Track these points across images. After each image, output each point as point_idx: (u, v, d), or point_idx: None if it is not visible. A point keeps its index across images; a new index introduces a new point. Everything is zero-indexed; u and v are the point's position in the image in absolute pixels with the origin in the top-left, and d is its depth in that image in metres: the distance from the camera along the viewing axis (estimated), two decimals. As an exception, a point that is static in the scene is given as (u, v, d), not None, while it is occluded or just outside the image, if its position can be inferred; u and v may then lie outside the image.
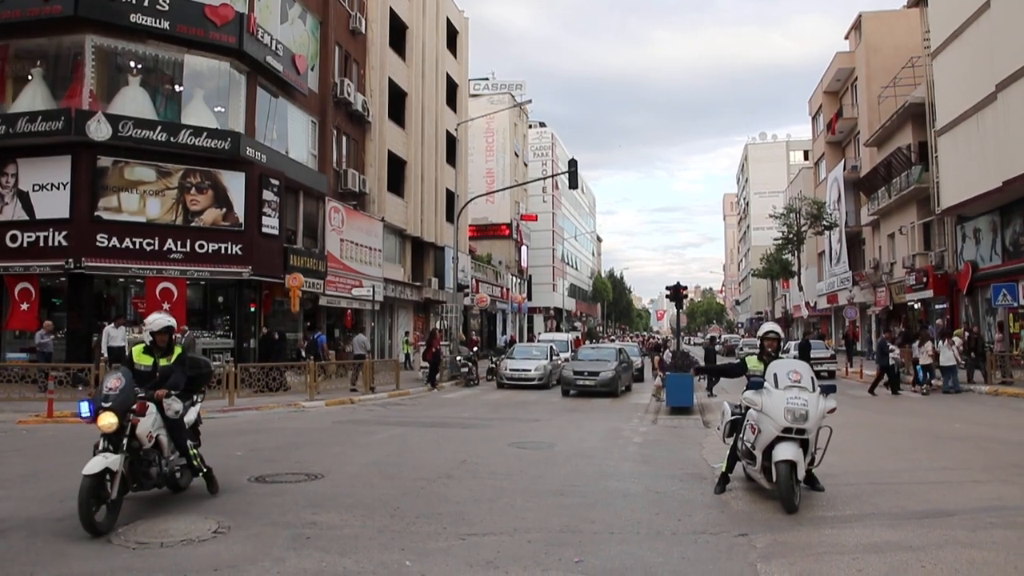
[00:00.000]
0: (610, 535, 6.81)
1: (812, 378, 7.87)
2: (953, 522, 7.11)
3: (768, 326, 8.93)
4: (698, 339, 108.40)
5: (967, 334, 22.91)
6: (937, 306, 32.36)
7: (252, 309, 22.43)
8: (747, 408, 8.30)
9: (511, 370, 25.47)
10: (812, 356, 24.52)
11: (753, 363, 8.58)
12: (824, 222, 46.59)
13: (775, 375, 7.87)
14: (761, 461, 7.83)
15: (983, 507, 7.70)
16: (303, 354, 23.64)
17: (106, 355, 17.97)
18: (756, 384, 8.05)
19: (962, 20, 26.96)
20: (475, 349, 32.91)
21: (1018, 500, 8.07)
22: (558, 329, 69.18)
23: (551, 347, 28.52)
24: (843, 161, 46.65)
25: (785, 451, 7.45)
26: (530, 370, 25.08)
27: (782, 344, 9.06)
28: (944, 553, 6.15)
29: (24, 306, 19.85)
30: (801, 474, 7.60)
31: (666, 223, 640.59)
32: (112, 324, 18.90)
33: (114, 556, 6.06)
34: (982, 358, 22.37)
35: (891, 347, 21.97)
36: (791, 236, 49.51)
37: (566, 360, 27.26)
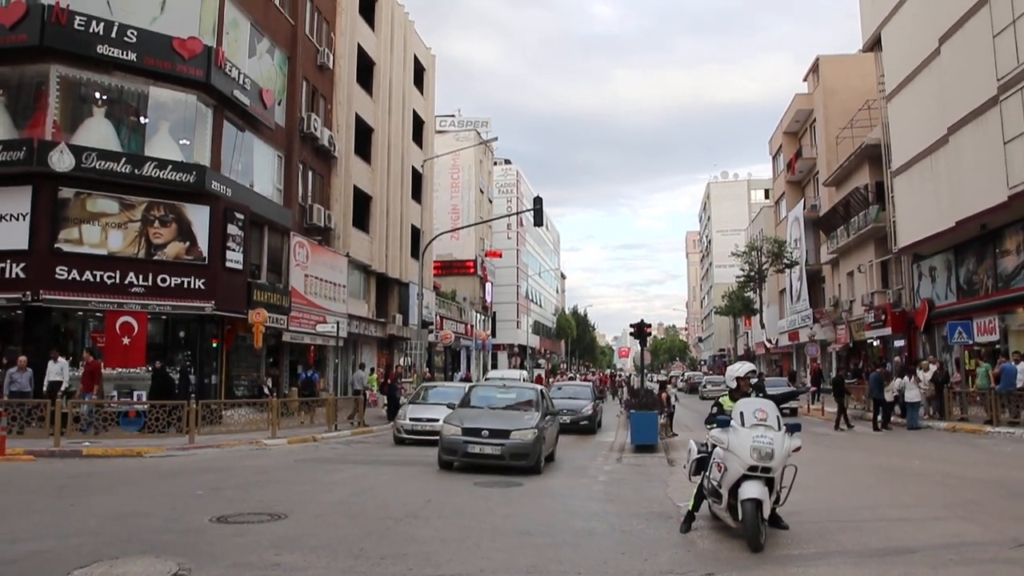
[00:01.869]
0: (577, 575, 6.79)
1: (778, 417, 7.95)
2: (914, 559, 7.19)
3: (748, 366, 9.02)
4: (661, 376, 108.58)
5: (932, 369, 23.27)
6: (896, 343, 32.91)
7: (214, 345, 22.11)
8: (713, 446, 8.36)
9: (412, 419, 18.53)
10: (772, 393, 24.43)
11: (727, 403, 8.66)
12: (785, 260, 47.36)
13: (741, 413, 7.94)
14: (727, 499, 7.86)
15: (943, 544, 7.81)
16: (266, 391, 23.39)
17: (45, 390, 17.60)
18: (723, 422, 8.11)
19: (914, 65, 27.85)
20: None
21: (977, 537, 8.19)
22: (521, 366, 69.00)
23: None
24: (803, 200, 47.57)
25: (751, 490, 7.49)
26: (438, 420, 16.50)
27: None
28: (907, 591, 6.22)
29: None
30: (767, 512, 7.64)
31: (629, 260, 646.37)
32: (51, 359, 18.35)
33: (70, 600, 5.90)
34: (940, 394, 22.77)
35: (896, 380, 22.27)
36: (753, 274, 50.19)
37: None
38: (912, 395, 21.71)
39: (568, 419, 20.61)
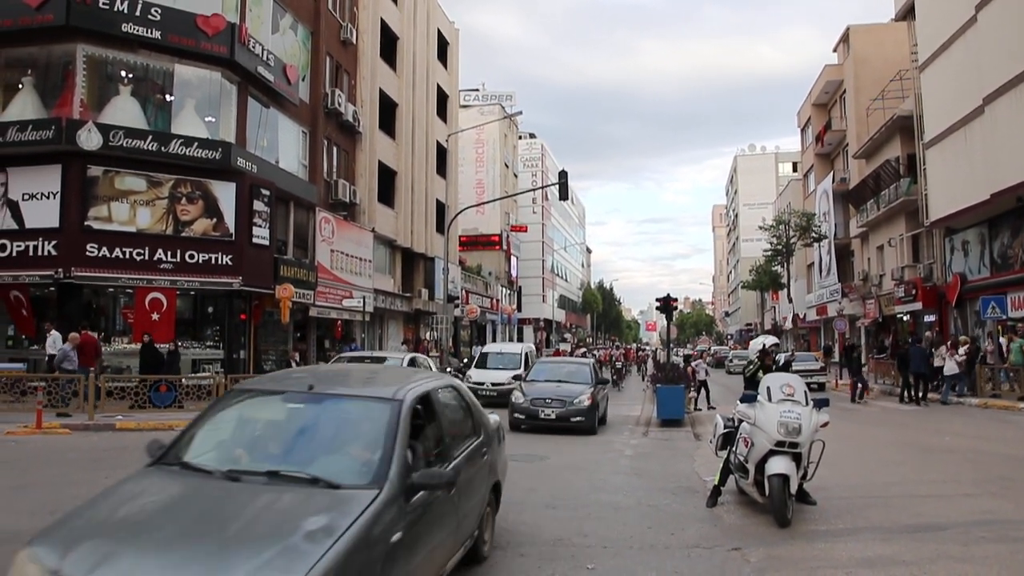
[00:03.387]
0: (603, 549, 6.81)
1: (805, 392, 7.90)
2: (945, 536, 7.13)
3: (770, 339, 9.04)
4: (687, 350, 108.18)
5: (966, 346, 23.03)
6: (926, 318, 32.48)
7: (242, 320, 22.33)
8: (740, 421, 8.33)
9: None
10: (799, 368, 24.16)
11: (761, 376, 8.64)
12: (813, 234, 46.82)
13: (768, 388, 7.90)
14: (754, 475, 7.85)
15: (974, 521, 7.74)
16: (293, 365, 23.61)
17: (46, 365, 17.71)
18: (749, 397, 8.07)
19: (949, 34, 27.21)
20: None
21: (1009, 514, 8.10)
22: (547, 342, 68.85)
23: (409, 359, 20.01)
24: (832, 173, 46.92)
25: (778, 465, 7.47)
26: None
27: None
28: (937, 568, 6.17)
29: (23, 312, 19.75)
30: (794, 488, 7.61)
31: (655, 234, 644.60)
32: (46, 333, 18.31)
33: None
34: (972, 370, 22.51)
35: (944, 350, 22.25)
36: (780, 248, 49.71)
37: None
38: (949, 368, 21.62)
39: (554, 414, 15.57)
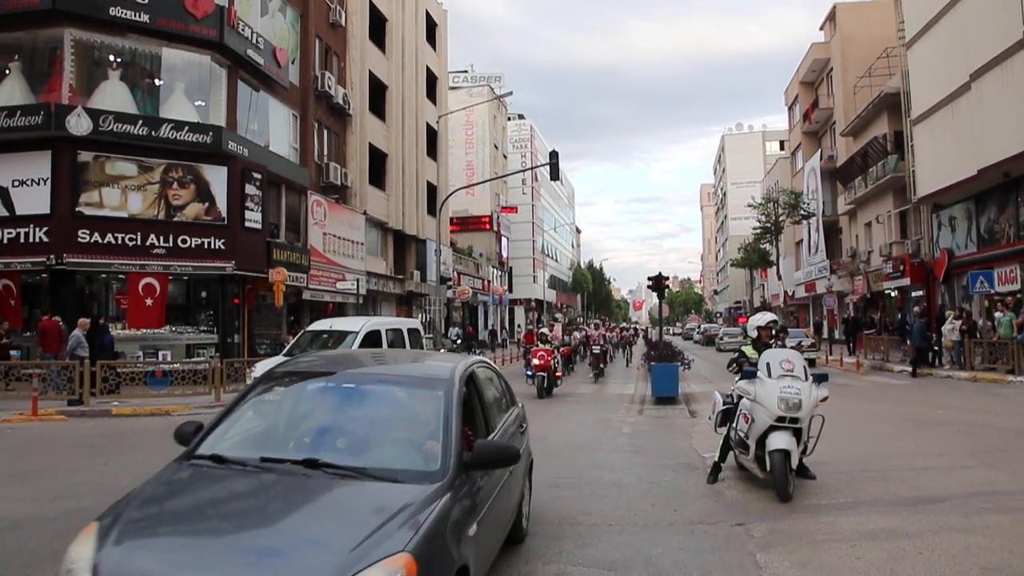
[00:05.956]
0: (608, 527, 6.88)
1: (805, 367, 7.98)
2: (945, 508, 7.25)
3: (769, 316, 9.08)
4: (677, 329, 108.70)
5: (960, 320, 23.33)
6: (914, 293, 32.74)
7: (236, 304, 22.28)
8: (739, 397, 8.41)
9: None
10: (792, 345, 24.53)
11: (750, 352, 8.70)
12: (801, 211, 46.99)
13: (768, 364, 7.96)
14: (755, 450, 7.94)
15: (973, 492, 7.86)
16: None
17: None
18: (749, 373, 8.14)
19: (936, 10, 27.24)
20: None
21: (1007, 485, 8.23)
22: (538, 322, 68.87)
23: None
24: (819, 151, 47.04)
25: (779, 440, 7.55)
26: None
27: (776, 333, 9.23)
28: (940, 539, 6.27)
29: (11, 302, 19.61)
30: (795, 463, 7.70)
31: (643, 214, 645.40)
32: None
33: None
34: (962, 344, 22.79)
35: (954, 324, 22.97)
36: (769, 226, 49.89)
37: None
38: (953, 336, 22.61)
39: None
